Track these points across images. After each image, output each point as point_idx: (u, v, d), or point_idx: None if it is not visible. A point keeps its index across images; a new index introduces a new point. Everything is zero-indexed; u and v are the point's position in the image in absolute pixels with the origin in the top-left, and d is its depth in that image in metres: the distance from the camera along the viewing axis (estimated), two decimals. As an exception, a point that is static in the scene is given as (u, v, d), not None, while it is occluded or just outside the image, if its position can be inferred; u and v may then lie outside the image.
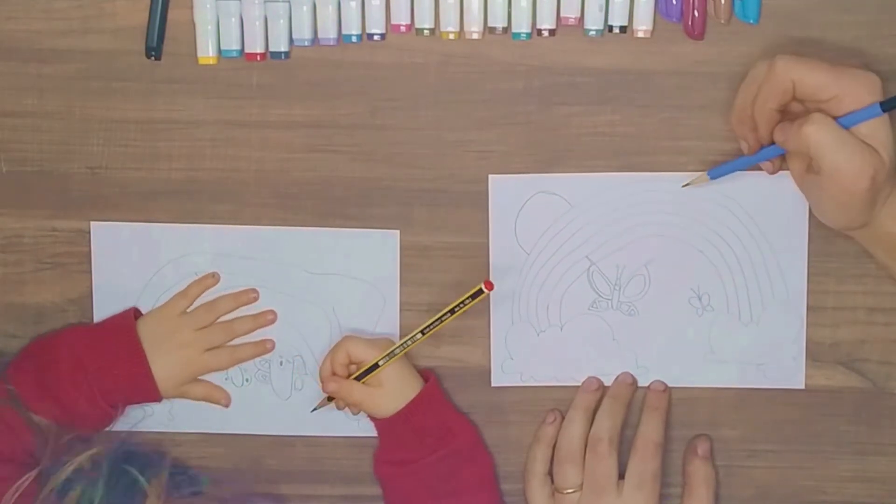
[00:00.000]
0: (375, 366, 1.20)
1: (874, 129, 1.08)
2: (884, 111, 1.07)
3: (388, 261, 1.23)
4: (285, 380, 1.24)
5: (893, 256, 1.14)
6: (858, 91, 1.08)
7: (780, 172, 1.17)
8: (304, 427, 1.25)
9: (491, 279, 1.19)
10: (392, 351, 1.20)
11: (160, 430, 1.25)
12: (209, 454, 1.25)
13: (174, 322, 1.23)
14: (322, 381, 1.22)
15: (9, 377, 1.20)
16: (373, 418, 1.23)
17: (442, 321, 1.19)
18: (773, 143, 1.13)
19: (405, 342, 1.20)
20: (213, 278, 1.23)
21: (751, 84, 1.12)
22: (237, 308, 1.24)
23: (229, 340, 1.24)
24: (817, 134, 1.08)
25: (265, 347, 1.24)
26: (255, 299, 1.24)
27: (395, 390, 1.21)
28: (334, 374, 1.21)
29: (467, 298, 1.17)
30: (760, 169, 1.17)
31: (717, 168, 1.17)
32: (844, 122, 1.08)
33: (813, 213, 1.16)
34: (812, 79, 1.09)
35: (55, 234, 1.24)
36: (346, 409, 1.24)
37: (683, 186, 1.19)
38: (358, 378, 1.21)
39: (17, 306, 1.25)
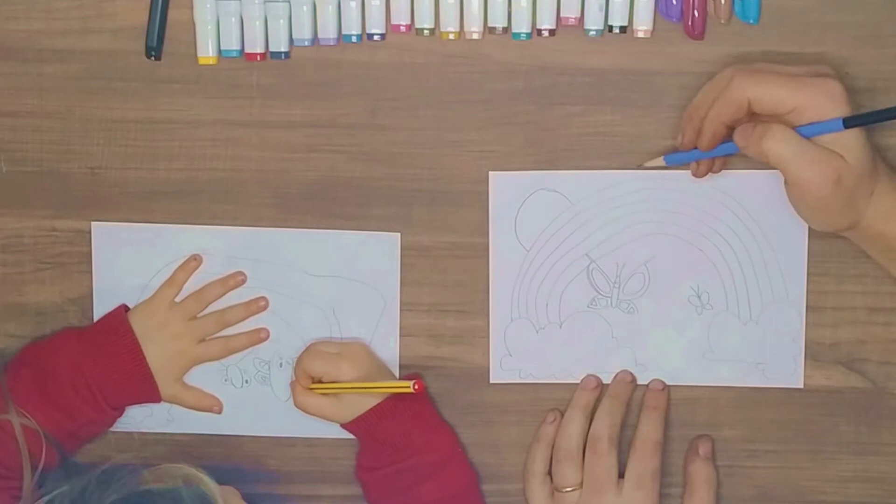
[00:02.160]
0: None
1: (836, 134, 1.08)
2: (846, 127, 1.07)
3: (389, 263, 1.23)
4: (285, 381, 1.24)
5: (887, 256, 1.14)
6: (818, 102, 1.08)
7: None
8: (304, 428, 1.25)
9: (491, 277, 1.20)
10: (340, 386, 1.20)
11: (160, 430, 1.25)
12: (209, 454, 1.25)
13: (164, 314, 1.23)
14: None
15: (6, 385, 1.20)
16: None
17: (369, 388, 1.20)
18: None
19: (351, 386, 1.20)
20: (196, 261, 1.23)
21: (712, 90, 1.12)
22: (226, 293, 1.23)
23: (221, 330, 1.24)
24: (777, 148, 1.08)
25: (259, 337, 1.24)
26: (243, 282, 1.23)
27: (351, 403, 1.21)
28: (300, 382, 1.22)
29: (393, 386, 1.19)
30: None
31: (674, 155, 1.17)
32: (805, 132, 1.08)
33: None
34: (769, 95, 1.09)
35: (55, 234, 1.24)
36: None
37: (638, 167, 1.19)
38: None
39: (17, 306, 1.25)
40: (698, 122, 1.13)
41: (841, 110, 1.08)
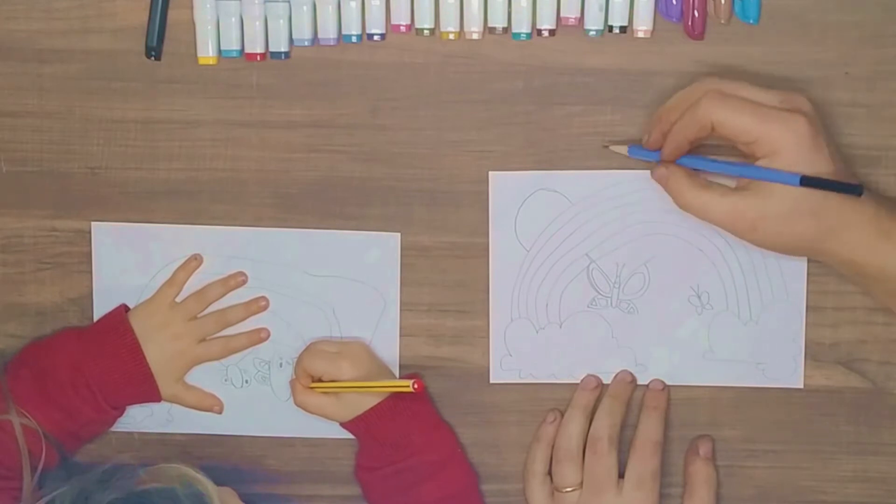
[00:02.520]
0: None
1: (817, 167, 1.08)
2: (802, 185, 1.06)
3: (389, 263, 1.23)
4: (285, 381, 1.24)
5: (860, 282, 1.15)
6: (783, 138, 1.07)
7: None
8: (304, 428, 1.25)
9: (491, 277, 1.21)
10: (341, 385, 1.20)
11: (160, 430, 1.25)
12: (209, 454, 1.25)
13: (165, 314, 1.23)
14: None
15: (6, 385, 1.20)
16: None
17: (369, 388, 1.20)
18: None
19: (351, 385, 1.20)
20: (197, 261, 1.23)
21: (684, 100, 1.12)
22: (227, 293, 1.23)
23: (222, 330, 1.24)
24: (690, 208, 1.11)
25: (259, 337, 1.24)
26: (244, 282, 1.23)
27: (351, 402, 1.21)
28: (300, 381, 1.22)
29: (393, 385, 1.19)
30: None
31: (638, 150, 1.17)
32: (762, 175, 1.07)
33: None
34: (734, 122, 1.08)
35: (55, 234, 1.24)
36: None
37: (603, 146, 1.19)
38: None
39: (17, 306, 1.25)
40: (666, 126, 1.13)
41: (804, 151, 1.07)
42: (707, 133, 1.10)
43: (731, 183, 1.11)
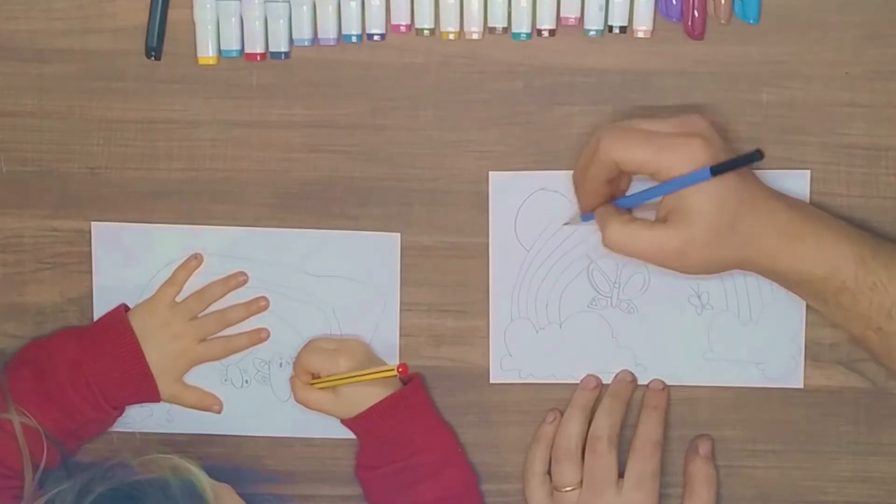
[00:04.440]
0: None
1: (677, 202, 1.09)
2: (714, 174, 1.07)
3: (389, 264, 1.23)
4: (285, 381, 1.24)
5: (789, 288, 1.15)
6: (679, 164, 1.08)
7: (786, 171, 1.18)
8: (304, 428, 1.25)
9: (491, 277, 1.21)
10: (337, 377, 1.20)
11: (160, 430, 1.25)
12: (209, 454, 1.25)
13: (165, 313, 1.23)
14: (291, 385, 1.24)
15: (6, 385, 1.20)
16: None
17: (358, 377, 1.19)
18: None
19: (340, 378, 1.20)
20: (197, 260, 1.23)
21: (588, 153, 1.13)
22: (227, 293, 1.24)
23: (222, 329, 1.24)
24: (615, 245, 1.11)
25: (259, 336, 1.24)
26: (245, 282, 1.23)
27: (351, 399, 1.21)
28: (299, 378, 1.22)
29: (378, 372, 1.19)
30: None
31: (586, 216, 1.18)
32: (674, 185, 1.08)
33: None
34: (632, 158, 1.10)
35: (55, 234, 1.24)
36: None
37: (564, 224, 1.20)
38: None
39: (17, 306, 1.25)
40: (583, 184, 1.15)
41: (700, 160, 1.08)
42: (616, 172, 1.12)
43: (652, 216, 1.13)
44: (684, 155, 1.08)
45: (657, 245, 1.10)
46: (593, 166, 1.12)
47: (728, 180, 1.08)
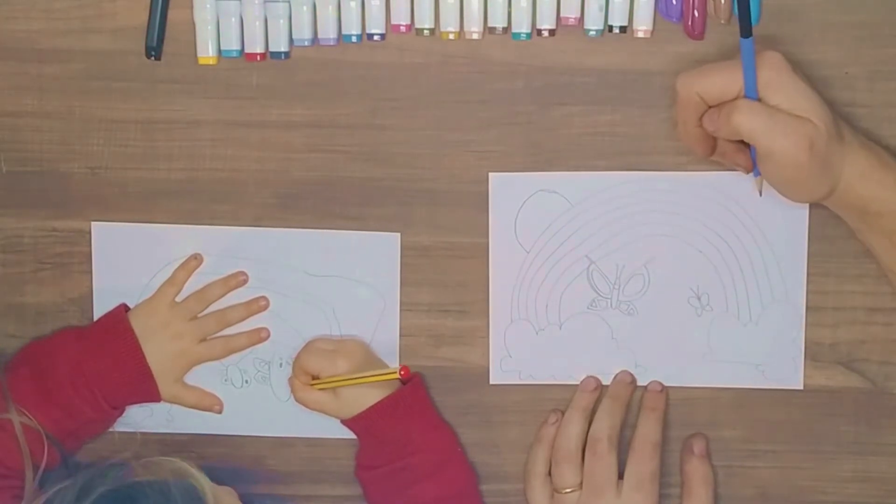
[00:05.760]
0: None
1: (798, 98, 1.08)
2: (744, 38, 1.07)
3: (389, 264, 1.23)
4: (285, 381, 1.24)
5: (865, 221, 1.13)
6: (761, 75, 1.08)
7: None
8: (304, 428, 1.25)
9: (491, 277, 1.21)
10: (337, 379, 1.20)
11: (160, 430, 1.26)
12: (209, 455, 1.25)
13: (165, 313, 1.23)
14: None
15: (6, 385, 1.20)
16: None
17: (359, 379, 1.19)
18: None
19: (340, 379, 1.20)
20: (197, 260, 1.23)
21: (676, 108, 1.13)
22: (227, 293, 1.24)
23: (222, 329, 1.24)
24: (746, 122, 1.08)
25: (259, 336, 1.24)
26: (245, 282, 1.24)
27: (351, 399, 1.21)
28: (298, 379, 1.22)
29: (380, 374, 1.19)
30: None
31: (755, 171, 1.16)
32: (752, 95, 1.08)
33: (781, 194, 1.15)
34: (712, 84, 1.10)
35: (55, 234, 1.24)
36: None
37: (755, 176, 1.18)
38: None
39: (17, 306, 1.25)
40: (687, 138, 1.14)
41: (785, 77, 1.08)
42: (703, 109, 1.11)
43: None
44: (763, 65, 1.08)
45: (792, 128, 1.08)
46: (681, 116, 1.12)
47: (821, 99, 1.09)
